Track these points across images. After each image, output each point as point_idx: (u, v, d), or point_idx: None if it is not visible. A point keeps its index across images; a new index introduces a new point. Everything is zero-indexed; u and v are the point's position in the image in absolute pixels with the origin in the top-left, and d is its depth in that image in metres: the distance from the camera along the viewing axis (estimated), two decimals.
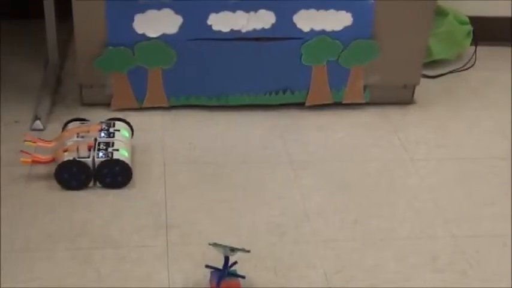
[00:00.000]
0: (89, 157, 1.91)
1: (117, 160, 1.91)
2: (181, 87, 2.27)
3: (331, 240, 1.83)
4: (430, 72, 2.58)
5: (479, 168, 2.14)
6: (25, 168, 1.98)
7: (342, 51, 2.26)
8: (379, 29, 2.24)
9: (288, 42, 2.23)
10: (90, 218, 1.84)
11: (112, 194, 1.92)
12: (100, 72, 2.21)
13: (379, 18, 2.23)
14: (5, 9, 2.56)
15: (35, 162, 1.93)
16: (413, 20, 2.25)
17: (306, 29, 2.22)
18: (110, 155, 1.92)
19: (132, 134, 2.08)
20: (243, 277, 1.65)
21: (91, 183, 1.93)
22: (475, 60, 2.68)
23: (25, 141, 1.98)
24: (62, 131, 2.04)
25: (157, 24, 2.16)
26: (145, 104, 2.28)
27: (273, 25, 2.20)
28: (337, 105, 2.35)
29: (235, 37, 2.20)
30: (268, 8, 2.17)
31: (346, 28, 2.23)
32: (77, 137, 1.96)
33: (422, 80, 2.41)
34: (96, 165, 1.91)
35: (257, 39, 2.21)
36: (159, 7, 2.14)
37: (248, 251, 1.64)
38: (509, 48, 2.79)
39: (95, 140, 1.96)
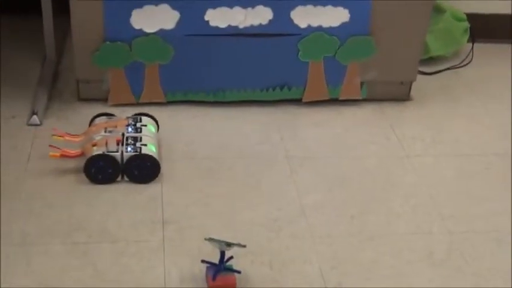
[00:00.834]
0: (117, 151, 1.93)
1: (146, 155, 1.93)
2: (178, 83, 2.27)
3: (327, 236, 1.83)
4: (427, 69, 2.59)
5: (475, 165, 2.14)
6: (22, 163, 1.99)
7: (339, 47, 2.26)
8: (376, 26, 2.25)
9: (285, 38, 2.23)
10: (87, 213, 1.84)
11: (110, 189, 1.93)
12: (97, 67, 2.21)
13: (376, 15, 2.23)
14: (2, 4, 2.56)
15: (63, 156, 1.95)
16: (410, 17, 2.26)
17: (303, 25, 2.22)
18: (138, 150, 1.94)
19: (158, 129, 2.09)
20: (239, 272, 1.65)
21: (119, 178, 1.95)
22: (472, 57, 2.68)
23: (53, 135, 1.99)
24: (89, 125, 2.06)
25: (155, 19, 2.16)
26: (143, 100, 2.28)
27: (270, 21, 2.20)
28: (334, 101, 2.35)
29: (232, 33, 2.20)
30: (265, 4, 2.17)
31: (343, 24, 2.23)
32: (105, 131, 1.98)
33: (419, 77, 2.41)
34: (124, 160, 1.92)
35: (254, 35, 2.21)
36: (156, 3, 2.14)
37: (244, 246, 1.64)
38: (507, 45, 2.80)
39: (123, 134, 1.98)
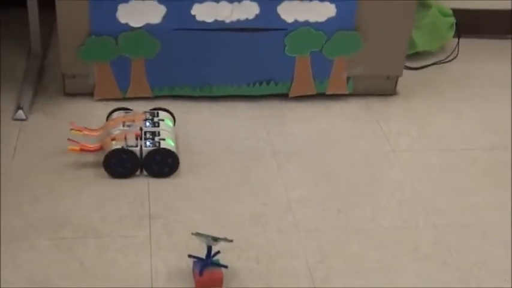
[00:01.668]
0: (136, 146, 1.93)
1: (165, 149, 1.94)
2: (165, 78, 2.27)
3: (314, 230, 1.84)
4: (413, 64, 2.59)
5: (461, 159, 2.16)
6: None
7: (326, 42, 2.26)
8: (363, 21, 2.25)
9: (272, 33, 2.23)
10: (73, 208, 1.84)
11: (95, 184, 1.92)
12: (83, 62, 2.20)
13: (363, 10, 2.24)
14: None
15: (83, 150, 1.95)
16: (396, 12, 2.26)
17: (289, 19, 2.22)
18: (157, 144, 1.94)
19: (175, 123, 2.10)
20: (226, 266, 1.66)
21: (137, 172, 1.95)
22: (458, 52, 2.69)
23: (71, 129, 1.99)
24: (107, 120, 2.06)
25: (141, 14, 2.16)
26: (129, 94, 2.27)
27: (256, 16, 2.20)
28: (321, 96, 2.35)
29: (219, 27, 2.20)
30: None
31: (329, 19, 2.23)
32: (123, 126, 1.99)
33: (405, 72, 2.42)
34: (143, 154, 1.93)
35: (241, 29, 2.21)
36: None
37: (231, 241, 1.65)
38: (492, 41, 2.81)
39: (141, 129, 1.98)
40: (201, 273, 1.63)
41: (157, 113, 2.07)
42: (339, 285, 1.68)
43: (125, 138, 1.95)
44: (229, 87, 2.31)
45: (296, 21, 2.22)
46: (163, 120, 2.05)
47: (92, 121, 2.18)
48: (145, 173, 1.96)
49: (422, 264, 1.76)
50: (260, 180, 2.00)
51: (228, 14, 2.19)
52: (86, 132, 2.00)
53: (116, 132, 1.97)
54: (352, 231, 1.84)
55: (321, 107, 2.34)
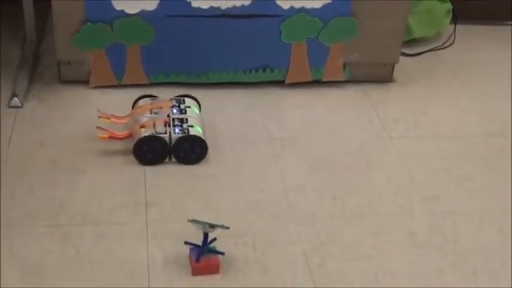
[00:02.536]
0: (166, 133, 1.94)
1: (194, 136, 1.95)
2: (160, 65, 2.26)
3: (310, 217, 1.84)
4: (409, 51, 2.59)
5: (457, 146, 2.16)
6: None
7: (322, 28, 2.26)
8: (359, 7, 2.25)
9: (268, 20, 2.23)
10: (69, 195, 1.84)
11: (91, 172, 1.93)
12: (78, 49, 2.20)
13: None
14: None
15: (112, 137, 1.96)
16: None
17: (285, 6, 2.21)
18: (186, 131, 1.95)
19: (200, 110, 2.10)
20: (222, 253, 1.66)
21: (166, 159, 1.96)
22: (454, 38, 2.69)
23: (99, 117, 2.00)
24: (133, 107, 2.06)
25: (136, 0, 2.15)
26: (124, 81, 2.27)
27: (252, 2, 2.19)
28: (317, 83, 2.35)
29: (214, 14, 2.19)
30: None
31: (325, 5, 2.23)
32: (150, 113, 1.99)
33: (402, 58, 2.42)
34: (172, 141, 1.94)
35: (237, 16, 2.21)
36: None
37: (227, 228, 1.65)
38: (489, 27, 2.80)
39: (168, 116, 1.99)
40: (197, 260, 1.63)
41: (184, 100, 2.08)
42: (335, 271, 1.69)
43: (154, 125, 1.96)
44: (225, 74, 2.30)
45: (292, 8, 2.22)
46: (189, 107, 2.06)
47: (87, 108, 2.18)
48: (174, 159, 1.97)
49: (418, 251, 1.77)
50: (256, 167, 2.00)
51: (223, 0, 2.18)
52: (113, 120, 2.01)
53: (144, 119, 1.98)
54: (348, 218, 1.85)
55: (318, 93, 2.34)
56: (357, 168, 2.03)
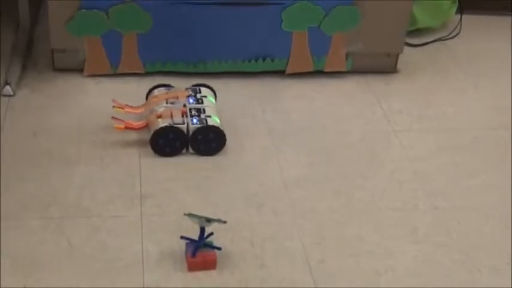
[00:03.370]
0: (183, 123, 1.94)
1: (212, 126, 1.95)
2: (157, 53, 2.25)
3: (310, 212, 1.83)
4: (414, 41, 2.58)
5: (462, 139, 2.15)
6: None
7: (324, 17, 2.25)
8: None
9: (268, 8, 2.21)
10: (62, 187, 1.83)
11: (84, 163, 1.92)
12: (73, 36, 2.18)
13: None
14: None
15: (128, 128, 1.96)
16: None
17: None
18: (204, 122, 1.95)
19: (216, 99, 2.10)
20: (219, 248, 1.66)
21: (184, 150, 1.97)
22: (460, 29, 2.68)
23: (113, 107, 1.99)
24: (147, 97, 2.06)
25: None
26: (120, 70, 2.26)
27: None
28: (319, 73, 2.34)
29: (213, 1, 2.18)
30: None
31: None
32: (166, 103, 1.99)
33: (406, 49, 2.41)
34: (190, 132, 1.94)
35: (236, 4, 2.19)
36: None
37: (225, 222, 1.64)
38: (495, 17, 2.79)
39: (184, 105, 1.99)
40: (193, 255, 1.63)
41: (200, 90, 2.08)
42: (335, 267, 1.68)
43: (171, 115, 1.95)
44: (223, 64, 2.29)
45: None
46: (206, 96, 2.05)
47: (82, 97, 2.18)
48: (191, 150, 1.97)
49: (420, 247, 1.76)
50: (255, 159, 2.00)
51: None
52: (127, 110, 2.00)
53: (160, 109, 1.97)
54: (349, 213, 1.84)
55: (319, 84, 2.33)
56: (359, 162, 2.02)
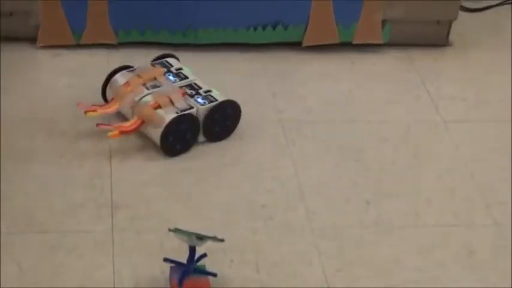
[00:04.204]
0: (191, 107, 1.99)
1: (227, 101, 2.04)
2: (133, 18, 2.28)
3: (333, 228, 1.85)
4: (472, 4, 2.60)
5: None
6: None
7: None
8: None
9: None
10: (8, 194, 1.85)
11: (38, 163, 1.94)
12: None
13: None
14: None
15: (123, 133, 1.98)
16: None
17: None
18: (211, 98, 2.02)
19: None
20: (215, 275, 1.67)
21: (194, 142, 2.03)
22: None
23: (85, 112, 2.00)
24: (104, 90, 2.06)
25: None
26: (85, 40, 2.28)
27: None
28: (346, 46, 2.37)
29: None
30: None
31: None
32: (147, 89, 2.02)
33: (461, 14, 2.43)
34: (202, 116, 2.00)
35: None
36: None
37: (222, 240, 1.66)
38: None
39: (181, 87, 2.05)
40: (180, 282, 1.64)
41: (169, 62, 2.11)
42: None
43: (171, 101, 1.99)
44: (221, 32, 2.32)
45: None
46: (181, 68, 2.10)
47: (35, 75, 2.20)
48: (201, 139, 2.02)
49: (478, 275, 1.77)
50: (262, 158, 2.02)
51: None
52: (100, 111, 2.02)
53: (149, 98, 2.00)
54: (384, 230, 1.86)
55: (346, 61, 2.35)
56: (398, 163, 2.04)
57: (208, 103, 2.00)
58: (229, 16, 2.30)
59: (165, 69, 2.09)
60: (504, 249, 1.84)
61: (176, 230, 1.65)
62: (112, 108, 2.04)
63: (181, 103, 2.00)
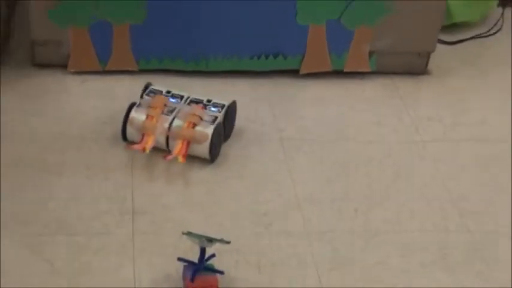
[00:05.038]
0: (216, 117, 2.03)
1: (232, 103, 2.10)
2: (153, 48, 2.28)
3: (326, 233, 1.86)
4: (448, 38, 2.60)
5: (501, 152, 2.17)
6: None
7: (345, 8, 2.27)
8: None
9: None
10: (42, 201, 1.86)
11: (68, 174, 1.95)
12: (56, 26, 2.21)
13: None
14: None
15: (184, 156, 1.97)
16: None
17: None
18: (218, 105, 2.07)
19: None
20: (222, 273, 1.68)
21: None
22: (503, 23, 2.69)
23: (143, 150, 1.98)
24: (124, 128, 2.02)
25: None
26: (110, 67, 2.29)
27: None
28: (338, 73, 2.37)
29: None
30: None
31: None
32: (167, 115, 2.02)
33: (439, 47, 2.43)
34: (222, 120, 2.04)
35: None
36: None
37: (228, 243, 1.67)
38: None
39: (198, 103, 2.08)
40: (192, 279, 1.65)
41: (157, 89, 2.10)
42: None
43: (200, 117, 2.01)
44: (228, 61, 2.32)
45: None
46: (170, 91, 2.11)
47: (65, 98, 2.21)
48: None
49: (453, 275, 1.78)
50: (264, 172, 2.03)
51: None
52: (145, 147, 1.98)
53: (179, 122, 2.00)
54: (371, 235, 1.87)
55: (338, 86, 2.36)
56: (383, 177, 2.05)
57: (221, 109, 2.04)
58: (236, 47, 2.31)
59: (164, 95, 2.09)
60: (475, 252, 1.85)
61: (189, 234, 1.66)
62: (150, 142, 1.99)
63: (206, 116, 2.02)
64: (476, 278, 1.78)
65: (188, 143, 1.99)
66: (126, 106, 2.06)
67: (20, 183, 1.91)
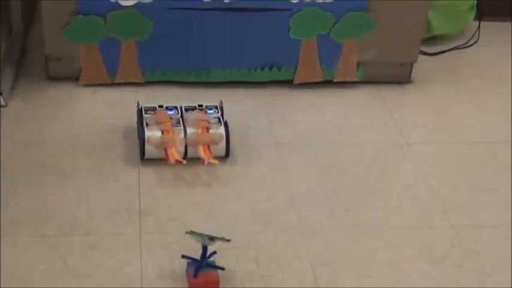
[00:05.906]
0: (220, 118, 2.04)
1: (220, 102, 2.11)
2: (157, 61, 2.27)
3: (319, 229, 1.84)
4: (429, 49, 2.59)
5: (480, 153, 2.16)
6: None
7: (334, 24, 2.26)
8: (375, 1, 2.25)
9: (275, 14, 2.23)
10: (56, 202, 1.84)
11: (80, 176, 1.93)
12: (68, 43, 2.20)
13: None
14: None
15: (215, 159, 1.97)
16: None
17: None
18: (211, 107, 2.08)
19: None
20: (223, 268, 1.66)
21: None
22: (479, 36, 2.69)
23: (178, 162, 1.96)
24: (143, 148, 1.97)
25: None
26: (118, 79, 2.28)
27: None
28: (328, 83, 2.36)
29: (217, 7, 2.20)
30: None
31: None
32: (177, 125, 2.00)
33: (421, 57, 2.42)
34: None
35: (241, 9, 2.21)
36: None
37: (228, 240, 1.65)
38: None
39: (200, 109, 2.07)
40: (195, 275, 1.63)
41: (150, 106, 2.05)
42: None
43: (208, 121, 2.01)
44: (227, 73, 2.31)
45: (302, 1, 2.22)
46: (162, 105, 2.07)
47: (77, 108, 2.19)
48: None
49: (437, 267, 1.76)
50: (261, 174, 2.01)
51: None
52: (176, 159, 1.95)
53: (192, 130, 1.98)
54: (361, 231, 1.85)
55: (328, 95, 2.34)
56: (371, 177, 2.03)
57: (216, 109, 2.06)
58: (234, 60, 2.29)
59: (164, 108, 2.06)
60: (457, 246, 1.83)
61: (191, 232, 1.64)
62: (175, 154, 1.96)
63: (211, 119, 2.01)
64: (460, 270, 1.76)
65: (208, 146, 1.98)
66: (134, 115, 2.05)
67: (37, 185, 1.89)
